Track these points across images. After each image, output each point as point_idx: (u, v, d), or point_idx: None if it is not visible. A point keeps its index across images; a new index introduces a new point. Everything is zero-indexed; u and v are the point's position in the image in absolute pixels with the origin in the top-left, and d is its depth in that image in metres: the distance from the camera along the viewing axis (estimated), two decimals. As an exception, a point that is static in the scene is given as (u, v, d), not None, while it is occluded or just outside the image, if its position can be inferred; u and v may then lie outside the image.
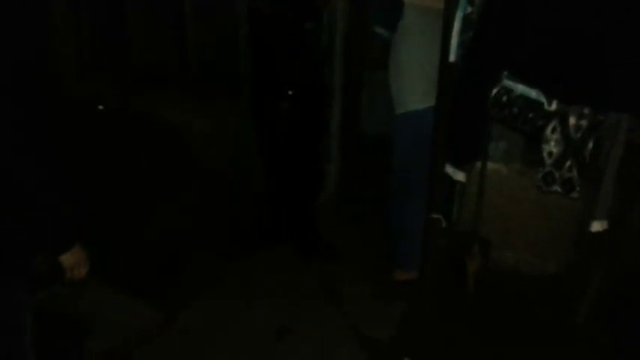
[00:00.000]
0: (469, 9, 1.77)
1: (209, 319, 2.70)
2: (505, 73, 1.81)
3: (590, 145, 1.74)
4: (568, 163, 1.80)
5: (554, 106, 1.75)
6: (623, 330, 2.54)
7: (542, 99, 1.77)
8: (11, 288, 1.52)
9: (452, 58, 1.77)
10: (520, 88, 1.80)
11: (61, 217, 1.49)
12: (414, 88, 2.56)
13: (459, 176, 1.99)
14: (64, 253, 1.54)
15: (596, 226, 1.84)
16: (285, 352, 2.52)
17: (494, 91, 1.84)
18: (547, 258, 2.93)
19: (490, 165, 2.80)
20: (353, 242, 3.41)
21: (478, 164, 2.65)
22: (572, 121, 1.73)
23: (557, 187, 1.84)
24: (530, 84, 1.78)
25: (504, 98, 1.84)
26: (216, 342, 2.56)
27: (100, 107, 4.00)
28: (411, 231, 2.79)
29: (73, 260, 1.56)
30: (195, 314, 2.73)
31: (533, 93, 1.78)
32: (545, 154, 1.82)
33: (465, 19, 1.76)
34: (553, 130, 1.77)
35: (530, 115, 1.81)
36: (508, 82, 1.82)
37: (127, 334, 2.52)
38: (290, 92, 2.74)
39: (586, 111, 1.71)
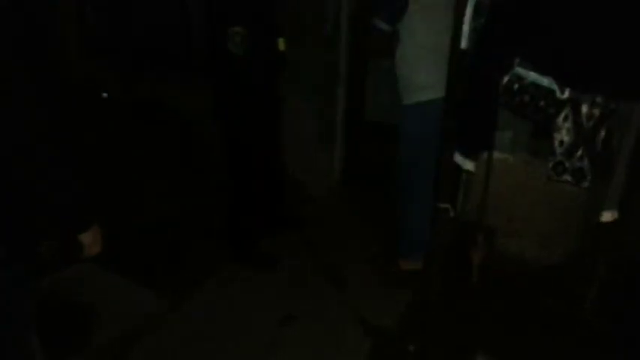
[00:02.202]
0: (482, -5, 1.74)
1: (213, 306, 2.71)
2: (517, 60, 1.79)
3: (602, 134, 1.72)
4: (579, 153, 1.78)
5: (566, 95, 1.73)
6: (628, 319, 2.54)
7: (554, 87, 1.74)
8: (18, 275, 1.51)
9: (463, 44, 1.74)
10: (532, 76, 1.77)
11: (78, 197, 1.50)
12: (421, 79, 2.54)
13: (469, 166, 1.97)
14: (84, 232, 1.56)
15: (607, 216, 1.82)
16: (290, 340, 2.52)
17: (506, 78, 1.82)
18: (553, 247, 2.93)
19: (496, 154, 2.78)
20: (358, 230, 3.41)
21: (484, 153, 2.63)
22: (584, 109, 1.71)
23: (567, 177, 1.82)
24: (542, 72, 1.75)
25: (516, 86, 1.81)
26: (221, 329, 2.56)
27: (104, 95, 3.97)
28: (417, 221, 2.79)
29: (91, 238, 1.59)
30: (200, 301, 2.73)
31: (545, 81, 1.76)
32: (556, 143, 1.80)
33: (478, 5, 1.73)
34: (565, 119, 1.75)
35: (542, 103, 1.78)
36: (520, 70, 1.79)
37: (131, 321, 2.53)
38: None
39: (598, 99, 1.68)
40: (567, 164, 1.81)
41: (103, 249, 1.66)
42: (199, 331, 2.55)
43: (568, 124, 1.75)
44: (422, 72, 2.54)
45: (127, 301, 2.62)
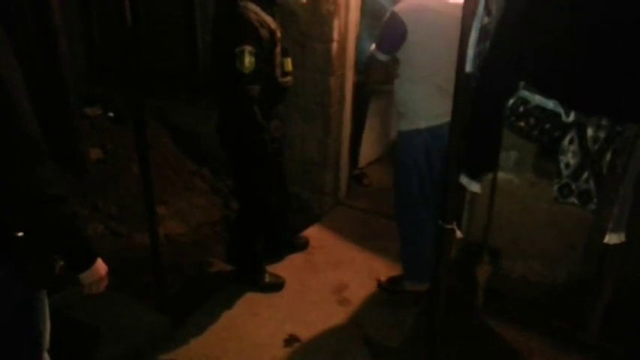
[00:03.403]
0: (486, 19, 1.76)
1: (218, 325, 2.70)
2: (522, 83, 1.80)
3: (608, 156, 1.72)
4: (585, 175, 1.78)
5: (571, 118, 1.74)
6: (634, 340, 2.52)
7: (560, 110, 1.76)
8: (28, 294, 1.49)
9: (468, 68, 1.75)
10: (537, 99, 1.79)
11: (76, 234, 1.43)
12: (418, 107, 2.58)
13: (475, 187, 1.97)
14: (82, 272, 1.48)
15: (614, 239, 1.82)
16: (295, 360, 2.51)
17: (511, 101, 1.83)
18: (557, 268, 2.92)
19: (501, 175, 2.80)
20: (363, 250, 3.41)
21: (489, 174, 2.64)
22: (589, 132, 1.72)
23: (573, 199, 1.82)
24: (548, 95, 1.76)
25: (521, 109, 1.82)
26: (225, 349, 2.55)
27: (110, 114, 4.00)
28: (418, 244, 2.80)
29: (91, 279, 1.51)
30: (205, 321, 2.72)
31: (550, 104, 1.77)
32: (562, 166, 1.81)
33: (482, 29, 1.75)
34: (570, 142, 1.76)
35: (547, 126, 1.79)
36: (525, 93, 1.80)
37: (135, 340, 2.51)
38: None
39: (604, 122, 1.70)
40: (573, 186, 1.81)
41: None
42: (203, 350, 2.53)
43: (574, 147, 1.76)
44: (418, 100, 2.58)
45: (131, 320, 2.60)
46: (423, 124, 2.57)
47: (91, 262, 1.49)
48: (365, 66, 2.71)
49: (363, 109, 4.03)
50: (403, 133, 2.69)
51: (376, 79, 2.78)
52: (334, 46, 3.38)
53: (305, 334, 2.67)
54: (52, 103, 3.10)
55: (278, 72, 2.71)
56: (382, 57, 2.56)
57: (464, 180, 1.97)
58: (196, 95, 4.00)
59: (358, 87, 3.75)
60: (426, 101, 2.55)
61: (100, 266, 1.52)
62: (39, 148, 1.28)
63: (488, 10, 1.75)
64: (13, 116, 1.23)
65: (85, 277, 1.49)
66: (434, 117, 2.50)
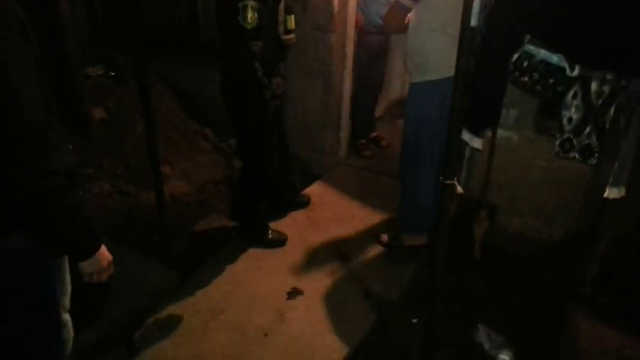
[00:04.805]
0: (493, -27, 1.75)
1: (223, 280, 2.76)
2: (527, 37, 1.80)
3: (612, 111, 1.74)
4: (587, 130, 1.80)
5: (576, 72, 1.75)
6: (628, 294, 2.59)
7: (564, 64, 1.76)
8: (40, 261, 1.45)
9: (473, 22, 1.75)
10: (542, 54, 1.79)
11: (79, 224, 1.37)
12: (433, 57, 2.55)
13: (476, 143, 1.99)
14: (83, 260, 1.43)
15: (614, 193, 1.85)
16: (297, 313, 2.57)
17: (515, 56, 1.84)
18: (554, 223, 2.97)
19: (501, 132, 2.81)
20: (362, 207, 3.45)
21: (489, 131, 2.66)
22: (594, 87, 1.73)
23: (575, 154, 1.85)
24: (552, 49, 1.77)
25: (525, 63, 1.83)
26: (230, 302, 2.61)
27: (112, 74, 3.98)
28: (419, 198, 2.83)
29: (92, 268, 1.45)
30: (210, 276, 2.77)
31: (554, 58, 1.78)
32: (564, 121, 1.82)
33: (489, -17, 1.74)
34: (574, 96, 1.77)
35: (551, 80, 1.80)
36: (530, 47, 1.81)
37: (142, 296, 2.57)
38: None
39: (609, 77, 1.70)
40: (575, 141, 1.84)
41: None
42: (209, 303, 2.60)
43: (577, 102, 1.78)
44: (435, 50, 2.54)
45: (139, 276, 2.65)
46: (439, 75, 2.53)
47: (94, 251, 1.43)
48: (387, 11, 2.68)
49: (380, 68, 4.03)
50: (417, 86, 2.66)
51: (395, 27, 2.74)
52: (335, 2, 3.34)
53: (307, 287, 2.73)
54: (54, 67, 3.08)
55: (281, 29, 2.69)
56: (408, 3, 2.52)
57: (466, 136, 1.99)
58: (197, 56, 3.97)
59: (373, 44, 3.75)
60: (442, 51, 2.50)
61: (103, 256, 1.47)
62: (43, 138, 1.23)
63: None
64: (14, 104, 1.17)
65: (86, 265, 1.43)
66: (450, 68, 2.47)
